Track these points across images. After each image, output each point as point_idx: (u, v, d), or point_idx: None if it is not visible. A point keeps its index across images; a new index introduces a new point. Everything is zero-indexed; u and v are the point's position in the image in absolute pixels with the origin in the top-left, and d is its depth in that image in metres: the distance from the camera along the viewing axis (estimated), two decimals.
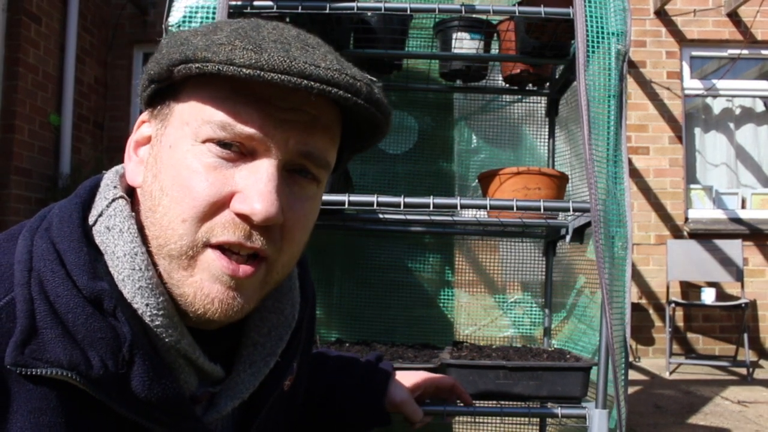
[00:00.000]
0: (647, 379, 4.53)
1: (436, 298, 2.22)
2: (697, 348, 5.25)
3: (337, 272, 2.19)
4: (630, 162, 3.69)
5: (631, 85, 5.34)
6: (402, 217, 1.77)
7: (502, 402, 1.47)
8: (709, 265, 4.93)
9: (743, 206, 5.50)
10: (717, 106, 5.71)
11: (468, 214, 1.97)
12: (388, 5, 1.53)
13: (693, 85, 5.54)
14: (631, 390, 3.97)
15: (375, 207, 1.46)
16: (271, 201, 0.64)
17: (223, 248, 0.65)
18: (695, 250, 4.99)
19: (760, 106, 5.69)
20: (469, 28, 1.95)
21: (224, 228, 0.65)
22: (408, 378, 1.19)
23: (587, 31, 1.45)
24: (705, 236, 5.16)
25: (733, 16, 5.39)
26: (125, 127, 5.28)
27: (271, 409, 0.81)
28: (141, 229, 0.68)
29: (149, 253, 0.67)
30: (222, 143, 0.65)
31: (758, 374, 4.67)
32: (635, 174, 5.31)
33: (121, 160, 0.75)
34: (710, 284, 5.01)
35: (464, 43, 1.96)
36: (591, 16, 1.46)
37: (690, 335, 5.27)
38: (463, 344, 1.82)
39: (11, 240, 0.68)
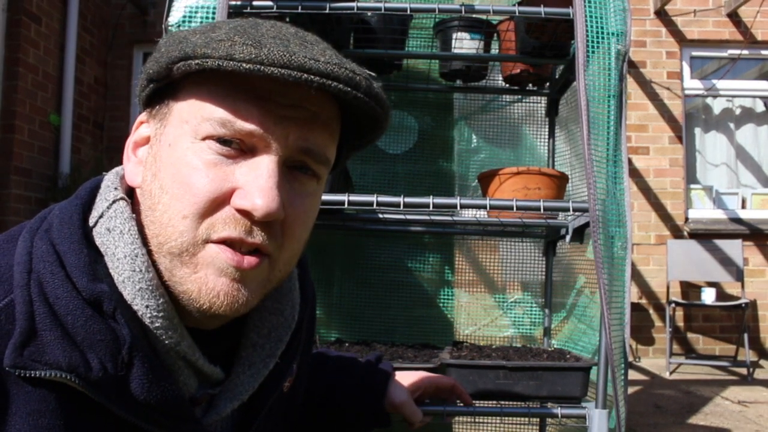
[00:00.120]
0: (647, 379, 4.53)
1: (436, 298, 2.22)
2: (697, 348, 5.25)
3: (337, 272, 2.19)
4: (630, 162, 3.69)
5: (631, 85, 5.34)
6: (402, 217, 1.77)
7: (502, 402, 1.47)
8: (709, 265, 4.93)
9: (743, 206, 5.50)
10: (717, 106, 5.71)
11: (468, 214, 1.97)
12: (388, 5, 1.53)
13: (693, 85, 5.54)
14: (631, 390, 3.97)
15: (375, 207, 1.46)
16: (272, 197, 0.64)
17: (225, 243, 0.65)
18: (695, 250, 4.99)
19: (760, 106, 5.69)
20: (469, 28, 1.95)
21: (225, 224, 0.65)
22: (408, 378, 1.19)
23: (587, 31, 1.45)
24: (705, 236, 5.16)
25: (733, 17, 5.39)
26: (125, 127, 5.28)
27: (271, 411, 0.81)
28: (141, 230, 0.68)
29: (149, 253, 0.67)
30: (222, 140, 0.65)
31: (758, 374, 4.67)
32: (635, 174, 5.31)
33: (121, 160, 0.75)
34: (710, 284, 5.01)
35: (464, 43, 1.96)
36: (591, 16, 1.46)
37: (690, 335, 5.27)
38: (463, 344, 1.82)
39: (11, 241, 0.68)
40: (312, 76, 0.61)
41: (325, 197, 1.44)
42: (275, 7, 1.53)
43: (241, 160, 0.65)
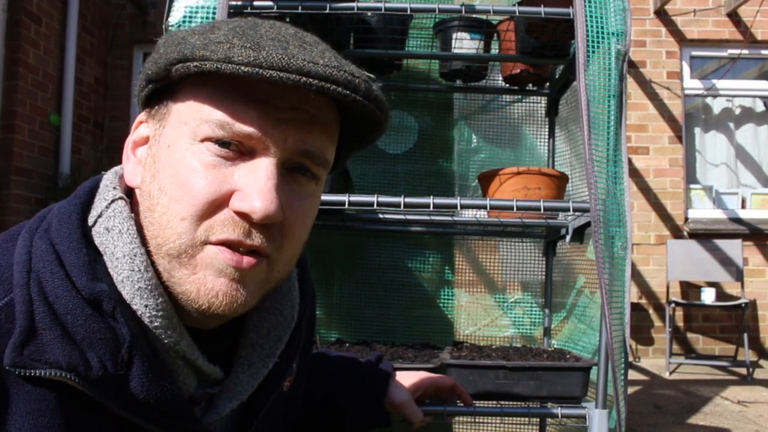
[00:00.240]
0: (647, 379, 4.53)
1: (436, 298, 2.22)
2: (697, 348, 5.25)
3: (337, 272, 2.19)
4: (630, 162, 3.69)
5: (631, 85, 5.34)
6: (402, 217, 1.77)
7: (502, 402, 1.47)
8: (709, 265, 4.93)
9: (743, 206, 5.50)
10: (717, 106, 5.71)
11: (468, 214, 1.97)
12: (388, 5, 1.53)
13: (693, 85, 5.54)
14: (631, 390, 3.97)
15: (375, 207, 1.46)
16: (270, 199, 0.64)
17: (224, 245, 0.65)
18: (695, 250, 4.99)
19: (760, 106, 5.68)
20: (469, 28, 1.95)
21: (224, 226, 0.65)
22: (408, 378, 1.19)
23: (587, 31, 1.45)
24: (705, 236, 5.16)
25: (733, 16, 5.39)
26: (125, 127, 5.28)
27: (270, 411, 0.81)
28: (140, 229, 0.68)
29: (148, 253, 0.67)
30: (221, 142, 0.65)
31: (758, 374, 4.66)
32: (635, 174, 5.31)
33: (121, 160, 0.75)
34: (710, 284, 5.01)
35: (464, 43, 1.96)
36: (591, 16, 1.46)
37: (690, 335, 5.27)
38: (463, 344, 1.82)
39: (10, 241, 0.68)
40: (311, 80, 0.61)
41: (326, 197, 1.44)
42: (275, 7, 1.53)
43: (239, 162, 0.65)
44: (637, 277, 5.25)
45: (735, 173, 5.64)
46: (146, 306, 0.65)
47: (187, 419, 0.68)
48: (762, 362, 5.05)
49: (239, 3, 1.52)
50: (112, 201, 0.69)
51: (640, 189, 5.33)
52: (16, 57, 4.33)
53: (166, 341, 0.67)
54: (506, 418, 2.09)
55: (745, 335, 4.61)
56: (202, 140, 0.65)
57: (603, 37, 1.46)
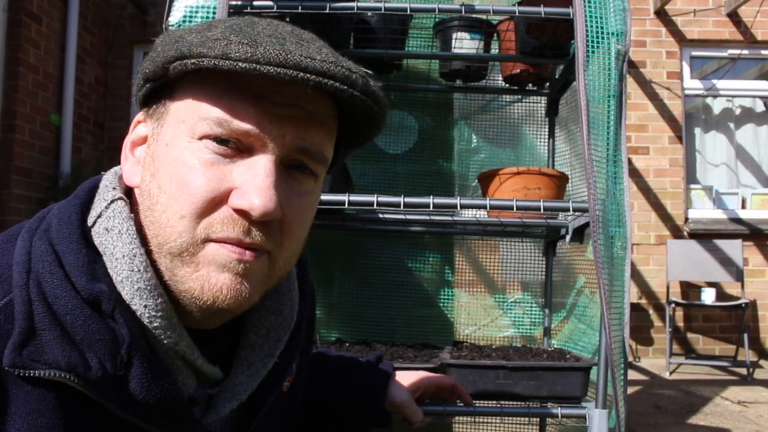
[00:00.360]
0: (647, 379, 4.53)
1: (436, 298, 2.22)
2: (697, 348, 5.25)
3: (337, 272, 2.19)
4: (630, 162, 3.69)
5: (631, 85, 5.34)
6: (402, 217, 1.77)
7: (502, 402, 1.47)
8: (709, 265, 4.93)
9: (743, 206, 5.50)
10: (717, 106, 5.71)
11: (468, 214, 1.97)
12: (388, 5, 1.53)
13: (693, 85, 5.54)
14: (631, 390, 3.97)
15: (375, 207, 1.46)
16: (269, 196, 0.64)
17: (224, 242, 0.65)
18: (695, 250, 4.99)
19: (760, 106, 5.68)
20: (469, 28, 1.95)
21: (223, 224, 0.65)
22: (408, 378, 1.19)
23: (587, 31, 1.45)
24: (705, 236, 5.15)
25: (733, 16, 5.39)
26: (126, 126, 5.19)
27: (270, 411, 0.81)
28: (140, 230, 0.68)
29: (149, 253, 0.67)
30: (219, 139, 0.65)
31: (758, 374, 4.67)
32: (635, 174, 5.31)
33: (120, 160, 0.75)
34: (710, 284, 5.01)
35: (464, 43, 1.96)
36: (591, 16, 1.46)
37: (690, 335, 5.27)
38: (463, 344, 1.82)
39: (10, 241, 0.68)
40: (308, 75, 0.61)
41: (326, 197, 1.44)
42: (275, 6, 1.53)
43: (238, 159, 0.65)
44: (637, 277, 5.25)
45: (735, 173, 5.63)
46: (145, 306, 0.65)
47: (186, 419, 0.68)
48: (762, 362, 5.05)
49: (239, 3, 1.52)
50: (112, 201, 0.69)
51: (640, 189, 5.33)
52: (17, 57, 4.33)
53: (165, 342, 0.67)
54: (506, 418, 2.09)
55: (745, 335, 4.61)
56: (201, 138, 0.65)
57: (603, 37, 1.46)
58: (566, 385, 1.45)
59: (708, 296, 4.86)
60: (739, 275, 4.86)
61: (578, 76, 1.43)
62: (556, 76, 2.09)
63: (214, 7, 1.49)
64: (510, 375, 1.45)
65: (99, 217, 0.68)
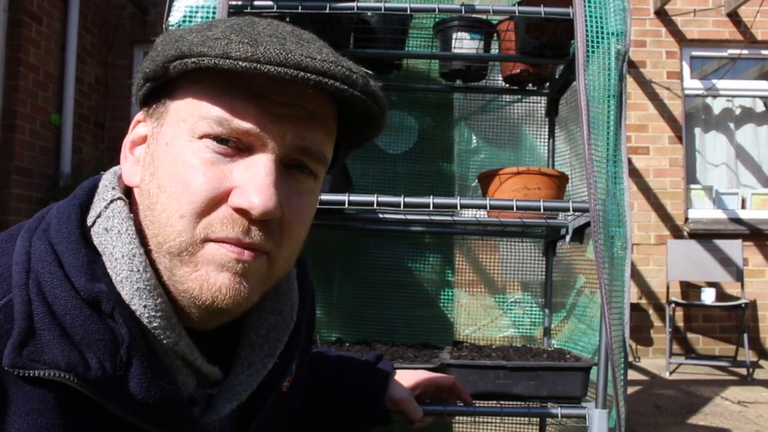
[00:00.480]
0: (647, 379, 4.53)
1: (436, 298, 2.22)
2: (697, 348, 5.25)
3: (337, 272, 2.19)
4: (630, 162, 3.69)
5: (631, 85, 5.34)
6: (402, 217, 1.77)
7: (502, 402, 1.47)
8: (709, 265, 4.93)
9: (743, 206, 5.50)
10: (717, 106, 5.71)
11: (468, 214, 1.97)
12: (388, 5, 1.53)
13: (693, 85, 5.53)
14: (631, 390, 3.97)
15: (375, 207, 1.47)
16: (269, 195, 0.64)
17: (224, 242, 0.65)
18: (695, 250, 4.99)
19: (760, 106, 5.68)
20: (469, 28, 1.95)
21: (223, 224, 0.65)
22: (408, 377, 1.19)
23: (587, 31, 1.45)
24: (705, 236, 5.15)
25: (733, 16, 5.39)
26: (126, 126, 5.14)
27: (270, 411, 0.81)
28: (140, 229, 0.68)
29: (149, 253, 0.67)
30: (219, 139, 0.65)
31: (758, 374, 4.67)
32: (635, 174, 5.31)
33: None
34: (710, 284, 5.01)
35: (464, 43, 1.96)
36: (591, 16, 1.47)
37: (690, 335, 5.27)
38: (463, 344, 1.82)
39: (9, 241, 0.68)
40: (308, 74, 0.61)
41: (326, 197, 1.44)
42: (275, 6, 1.53)
43: (238, 158, 0.65)
44: (637, 277, 5.25)
45: (735, 173, 5.63)
46: (145, 306, 0.65)
47: (186, 419, 0.68)
48: (762, 362, 5.05)
49: (239, 3, 1.52)
50: (111, 201, 0.69)
51: (640, 189, 5.33)
52: (17, 57, 4.33)
53: (164, 342, 0.67)
54: (506, 418, 2.09)
55: (745, 335, 4.61)
56: (201, 137, 0.65)
57: (603, 37, 1.46)
58: (566, 385, 1.45)
59: (708, 296, 4.86)
60: (739, 275, 4.86)
61: (578, 76, 1.43)
62: (556, 76, 2.10)
63: (214, 7, 1.49)
64: (510, 375, 1.45)
65: (98, 216, 0.68)
